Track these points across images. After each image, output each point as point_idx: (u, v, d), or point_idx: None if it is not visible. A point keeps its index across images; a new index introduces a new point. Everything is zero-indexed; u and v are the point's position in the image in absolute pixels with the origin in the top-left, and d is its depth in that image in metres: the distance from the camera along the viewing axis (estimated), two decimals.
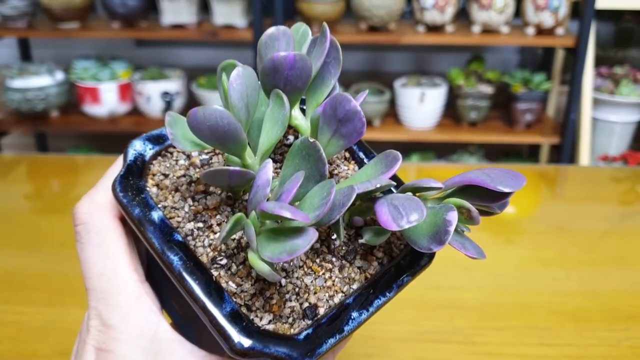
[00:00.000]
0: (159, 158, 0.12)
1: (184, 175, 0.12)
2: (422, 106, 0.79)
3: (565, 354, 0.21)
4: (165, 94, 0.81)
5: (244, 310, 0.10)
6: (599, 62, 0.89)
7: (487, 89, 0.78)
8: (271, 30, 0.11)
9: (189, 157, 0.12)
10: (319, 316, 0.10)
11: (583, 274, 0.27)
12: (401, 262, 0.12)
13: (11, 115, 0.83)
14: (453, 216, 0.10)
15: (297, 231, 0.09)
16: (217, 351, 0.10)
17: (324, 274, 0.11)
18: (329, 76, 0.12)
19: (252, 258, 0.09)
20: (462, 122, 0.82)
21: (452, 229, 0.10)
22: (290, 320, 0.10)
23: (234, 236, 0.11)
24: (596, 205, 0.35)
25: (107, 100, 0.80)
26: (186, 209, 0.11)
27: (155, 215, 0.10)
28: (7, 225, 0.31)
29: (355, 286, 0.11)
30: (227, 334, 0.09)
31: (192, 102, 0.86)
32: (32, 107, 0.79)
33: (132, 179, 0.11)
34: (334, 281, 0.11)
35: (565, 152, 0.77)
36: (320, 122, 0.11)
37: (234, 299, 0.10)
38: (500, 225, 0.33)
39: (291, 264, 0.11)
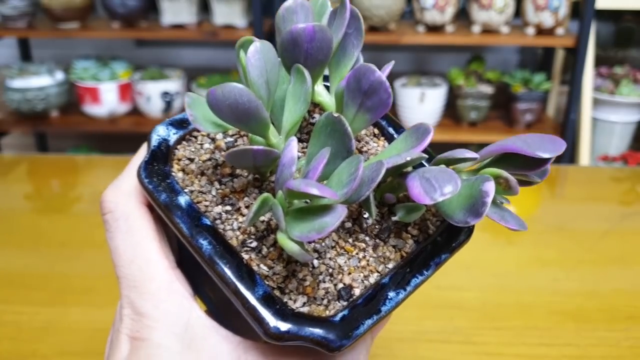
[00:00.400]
0: (184, 143, 0.12)
1: (209, 159, 0.11)
2: (422, 106, 0.79)
3: (565, 354, 0.21)
4: (165, 94, 0.81)
5: (277, 293, 0.10)
6: (599, 62, 0.89)
7: (487, 89, 0.78)
8: (289, 2, 0.10)
9: (213, 140, 0.12)
10: (354, 297, 0.10)
11: (583, 274, 0.27)
12: (438, 238, 0.11)
13: (11, 115, 0.83)
14: (490, 186, 0.09)
15: (326, 209, 0.09)
16: (252, 336, 0.10)
17: (357, 253, 0.11)
18: (351, 48, 0.11)
19: (282, 238, 0.09)
20: (462, 122, 0.82)
21: (489, 200, 0.09)
22: (325, 302, 0.10)
23: (263, 218, 0.11)
24: (596, 205, 0.35)
25: (107, 100, 0.80)
26: (213, 193, 0.11)
27: (182, 200, 0.10)
28: (7, 225, 0.31)
29: (390, 265, 0.11)
30: (261, 318, 0.09)
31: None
32: (32, 107, 0.79)
33: (157, 164, 0.11)
34: (368, 261, 0.11)
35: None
36: (344, 96, 0.10)
37: (267, 282, 0.10)
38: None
39: (323, 244, 0.10)
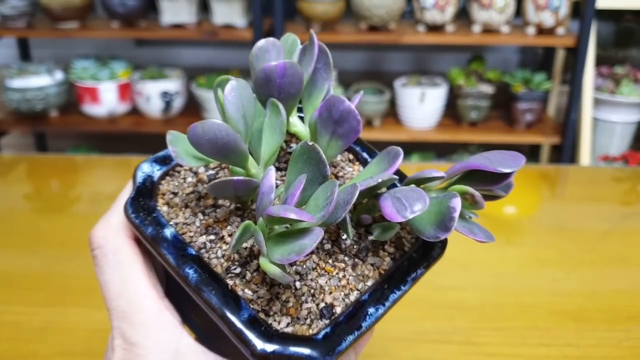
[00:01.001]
0: (167, 178, 0.13)
1: (192, 192, 0.12)
2: (422, 106, 0.79)
3: (566, 354, 0.21)
4: (164, 93, 0.80)
5: (261, 315, 0.10)
6: (599, 61, 0.89)
7: (488, 89, 0.78)
8: (261, 42, 0.12)
9: (196, 173, 0.13)
10: (336, 315, 0.11)
11: (583, 274, 0.26)
12: (413, 255, 0.12)
13: (10, 115, 0.83)
14: (456, 202, 0.10)
15: (304, 232, 0.09)
16: (240, 359, 0.10)
17: (337, 273, 0.11)
18: (322, 80, 0.12)
19: (264, 263, 0.10)
20: (462, 122, 0.82)
21: (456, 215, 0.10)
22: (308, 321, 0.10)
23: (245, 245, 0.11)
24: (597, 205, 0.35)
25: (106, 100, 0.80)
26: (197, 224, 0.11)
27: (168, 232, 0.11)
28: (6, 225, 0.31)
29: (369, 283, 0.11)
30: (247, 340, 0.10)
31: (191, 101, 0.85)
32: (31, 107, 0.79)
33: (143, 199, 0.11)
34: (348, 280, 0.11)
35: (565, 152, 0.77)
36: (317, 125, 0.11)
37: (251, 306, 0.10)
38: (500, 225, 0.33)
39: (304, 266, 0.11)
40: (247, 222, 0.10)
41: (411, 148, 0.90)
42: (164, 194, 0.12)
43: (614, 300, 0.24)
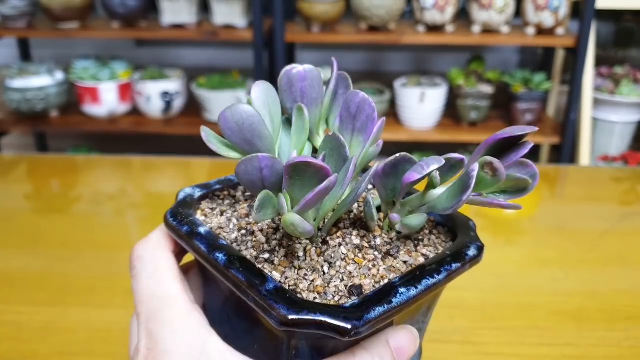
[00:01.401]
0: (207, 199, 0.13)
1: (229, 206, 0.13)
2: (422, 106, 0.79)
3: (566, 354, 0.21)
4: (165, 94, 0.80)
5: (290, 291, 0.10)
6: (599, 62, 0.89)
7: (487, 89, 0.78)
8: (298, 68, 0.12)
9: (234, 197, 0.14)
10: (364, 293, 0.10)
11: (583, 274, 0.26)
12: (447, 253, 0.12)
13: (11, 115, 0.83)
14: (475, 166, 0.10)
15: (320, 178, 0.09)
16: (265, 358, 0.10)
17: (367, 264, 0.11)
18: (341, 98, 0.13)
19: (284, 217, 0.10)
20: (462, 122, 0.82)
21: (474, 174, 0.10)
22: (336, 298, 0.10)
23: (275, 236, 0.11)
24: (596, 205, 0.35)
25: (106, 100, 0.80)
26: (231, 227, 0.12)
27: (202, 229, 0.11)
28: (7, 225, 0.31)
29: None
30: (272, 306, 0.09)
31: (191, 102, 0.85)
32: (31, 107, 0.79)
33: (183, 210, 0.12)
34: (378, 270, 0.11)
35: (565, 152, 0.77)
36: (339, 128, 0.12)
37: (282, 285, 0.10)
38: (500, 225, 0.33)
39: (333, 255, 0.11)
40: (265, 191, 0.10)
41: (411, 148, 0.90)
42: (203, 210, 0.13)
43: (614, 300, 0.24)
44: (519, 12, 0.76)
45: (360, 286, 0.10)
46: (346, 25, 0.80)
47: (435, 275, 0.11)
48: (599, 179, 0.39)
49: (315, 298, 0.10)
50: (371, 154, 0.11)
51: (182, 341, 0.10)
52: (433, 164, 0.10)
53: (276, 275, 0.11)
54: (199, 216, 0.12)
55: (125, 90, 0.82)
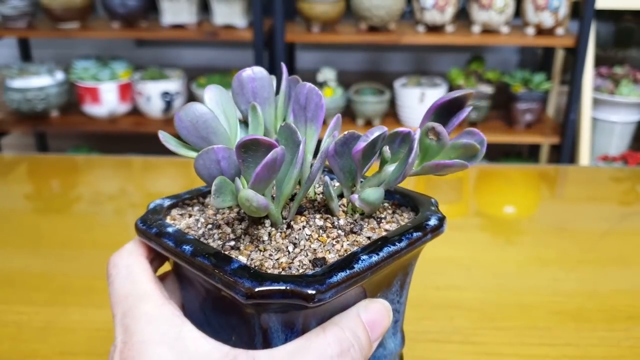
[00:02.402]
0: (177, 207, 0.14)
1: (198, 210, 0.14)
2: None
3: (566, 354, 0.21)
4: (165, 94, 0.80)
5: (256, 268, 0.11)
6: (598, 62, 0.89)
7: (487, 89, 0.78)
8: (245, 72, 0.12)
9: (202, 204, 0.14)
10: (327, 264, 0.11)
11: (583, 274, 0.27)
12: (408, 225, 0.12)
13: (11, 115, 0.83)
14: (417, 133, 0.11)
15: (268, 152, 0.10)
16: (243, 347, 0.10)
17: (331, 241, 0.12)
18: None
19: (240, 193, 0.10)
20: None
21: (415, 144, 0.10)
22: (300, 271, 0.11)
23: (240, 225, 0.12)
24: (596, 205, 0.35)
25: (107, 100, 0.80)
26: (199, 225, 0.13)
27: (170, 229, 0.12)
28: (7, 225, 0.31)
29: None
30: (237, 281, 0.10)
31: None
32: (32, 107, 0.79)
33: (152, 216, 0.13)
34: (342, 245, 0.11)
35: (565, 152, 0.77)
36: (294, 121, 0.12)
37: (248, 265, 0.11)
38: (500, 225, 0.33)
39: (297, 236, 0.11)
40: (221, 177, 0.10)
41: None
42: (172, 216, 0.13)
43: (614, 300, 0.24)
44: (518, 12, 0.76)
45: (324, 259, 0.11)
46: (346, 25, 0.80)
47: (397, 244, 0.11)
48: (598, 179, 0.39)
49: (280, 272, 0.10)
50: (328, 144, 0.12)
51: (156, 330, 0.10)
52: (376, 132, 0.10)
53: (242, 259, 0.11)
54: (168, 220, 0.13)
55: (126, 91, 0.82)
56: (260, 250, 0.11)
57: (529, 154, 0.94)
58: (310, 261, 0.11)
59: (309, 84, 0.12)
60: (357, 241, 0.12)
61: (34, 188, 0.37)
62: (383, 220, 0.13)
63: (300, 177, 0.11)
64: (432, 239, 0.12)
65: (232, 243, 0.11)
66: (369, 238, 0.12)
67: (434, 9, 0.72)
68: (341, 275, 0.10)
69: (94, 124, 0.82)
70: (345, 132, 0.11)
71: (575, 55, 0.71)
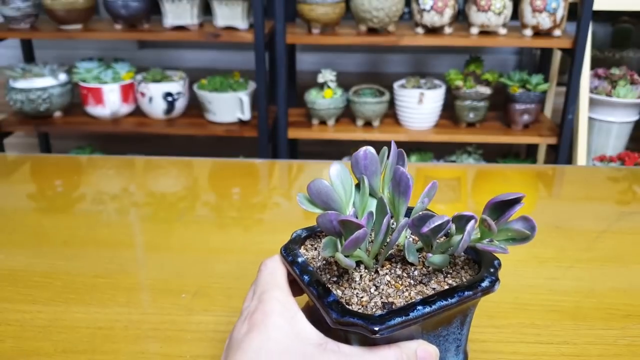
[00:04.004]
0: (310, 238, 0.19)
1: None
2: (420, 107, 0.80)
3: (563, 352, 0.21)
4: (167, 94, 0.81)
5: (344, 303, 0.15)
6: (596, 63, 0.90)
7: (485, 90, 0.79)
8: (360, 152, 0.17)
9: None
10: (393, 308, 0.15)
11: (580, 272, 0.27)
12: (464, 283, 0.16)
13: (14, 116, 0.84)
14: (471, 225, 0.15)
15: (358, 229, 0.15)
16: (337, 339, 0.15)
17: (403, 288, 0.16)
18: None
19: (337, 255, 0.15)
20: (460, 122, 0.82)
21: (468, 236, 0.15)
22: (373, 310, 0.15)
23: (341, 269, 0.17)
24: (593, 204, 0.35)
25: (109, 101, 0.80)
26: (319, 258, 0.18)
27: (300, 259, 0.17)
28: (10, 224, 0.31)
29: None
30: (329, 311, 0.15)
31: (194, 103, 0.86)
32: (35, 108, 0.79)
33: (291, 245, 0.18)
34: (410, 293, 0.16)
35: (562, 153, 0.77)
36: (391, 192, 0.17)
37: (339, 299, 0.16)
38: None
39: (379, 281, 0.16)
40: (330, 237, 0.15)
41: (410, 148, 0.91)
42: (305, 245, 0.19)
43: (611, 299, 0.25)
44: (516, 14, 0.76)
45: (392, 303, 0.15)
46: (346, 27, 0.80)
47: (449, 299, 0.15)
48: (596, 179, 0.39)
49: (359, 309, 0.15)
50: (419, 208, 0.17)
51: (280, 308, 0.15)
52: (438, 220, 0.15)
53: (338, 292, 0.16)
54: (302, 250, 0.18)
55: (128, 92, 0.82)
56: (352, 288, 0.16)
57: (527, 154, 0.94)
58: (382, 303, 0.15)
59: (401, 169, 0.16)
60: (422, 291, 0.16)
61: (37, 188, 0.37)
62: (449, 275, 0.16)
63: (389, 236, 0.16)
64: (483, 296, 0.15)
65: (335, 279, 0.16)
66: (433, 289, 0.16)
67: (433, 10, 0.73)
68: (398, 319, 0.14)
69: (97, 124, 0.82)
70: (421, 213, 0.15)
71: (572, 57, 0.72)
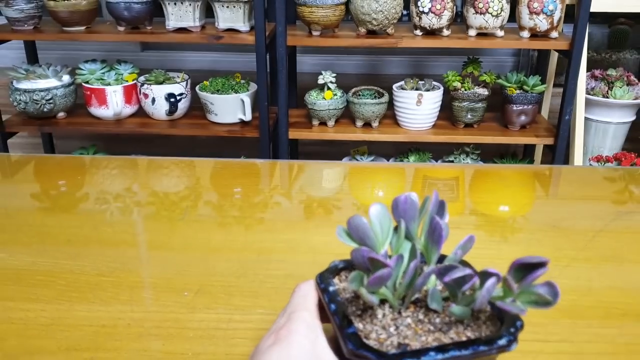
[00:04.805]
0: (345, 269, 0.20)
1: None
2: (419, 108, 0.80)
3: (560, 350, 0.22)
4: (170, 96, 0.81)
5: (362, 336, 0.16)
6: (592, 64, 0.90)
7: (483, 92, 0.79)
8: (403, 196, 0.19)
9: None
10: (407, 350, 0.16)
11: (577, 271, 0.27)
12: (482, 337, 0.16)
13: (18, 116, 0.84)
14: (491, 284, 0.15)
15: (382, 268, 0.16)
16: None
17: (422, 333, 0.17)
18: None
19: (361, 290, 0.16)
20: (458, 123, 0.82)
21: (488, 294, 0.15)
22: (388, 348, 0.16)
23: (364, 302, 0.18)
24: (590, 204, 0.35)
25: (112, 102, 0.80)
26: (349, 290, 0.19)
27: (331, 288, 0.18)
28: (14, 223, 0.31)
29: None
30: (346, 342, 0.16)
31: (196, 103, 0.86)
32: (38, 109, 0.79)
33: (326, 274, 0.19)
34: (427, 338, 0.16)
35: (559, 153, 0.77)
36: (426, 238, 0.18)
37: (359, 332, 0.16)
38: (496, 223, 0.33)
39: (401, 322, 0.17)
40: (357, 271, 0.16)
41: (408, 149, 0.91)
42: (340, 276, 0.19)
43: (608, 297, 0.25)
44: (514, 16, 0.77)
45: (407, 345, 0.16)
46: (346, 29, 0.81)
47: (463, 350, 0.15)
48: (592, 179, 0.40)
49: (375, 345, 0.16)
50: (451, 258, 0.17)
51: (305, 329, 0.16)
52: (459, 273, 0.16)
53: (359, 325, 0.17)
54: (335, 280, 0.19)
55: (131, 93, 0.82)
56: (373, 324, 0.17)
57: (524, 154, 0.95)
58: (398, 343, 0.16)
59: (436, 219, 0.17)
60: (439, 339, 0.16)
61: (41, 187, 0.38)
62: (469, 328, 0.17)
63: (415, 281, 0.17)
64: (499, 354, 0.16)
65: (359, 312, 0.17)
66: (451, 338, 0.16)
67: (431, 13, 0.73)
68: None
69: (100, 125, 0.82)
70: (446, 264, 0.16)
71: (569, 58, 0.72)
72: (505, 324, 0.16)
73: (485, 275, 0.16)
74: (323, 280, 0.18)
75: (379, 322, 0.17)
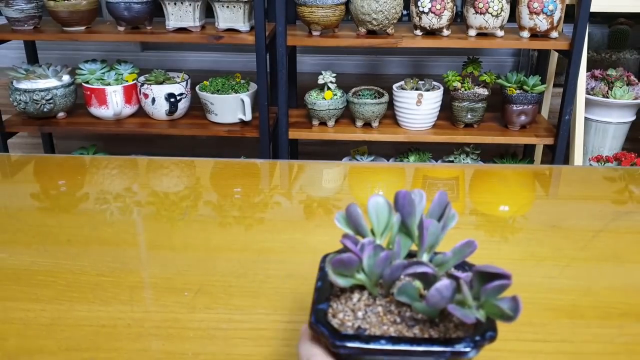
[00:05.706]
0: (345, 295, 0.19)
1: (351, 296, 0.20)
2: (419, 108, 0.80)
3: (560, 350, 0.22)
4: (170, 96, 0.81)
5: (330, 314, 0.17)
6: (592, 64, 0.90)
7: (483, 92, 0.79)
8: (402, 192, 0.19)
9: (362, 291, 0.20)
10: (364, 333, 0.16)
11: (577, 271, 0.27)
12: (441, 338, 0.16)
13: (18, 116, 0.84)
14: (444, 283, 0.15)
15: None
16: None
17: (387, 322, 0.17)
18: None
19: (328, 270, 0.16)
20: (458, 123, 0.82)
21: (437, 293, 0.15)
22: (346, 329, 0.16)
23: (352, 287, 0.18)
24: (590, 204, 0.35)
25: (113, 102, 0.80)
26: (341, 305, 0.18)
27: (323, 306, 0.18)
28: (14, 223, 0.31)
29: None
30: (311, 315, 0.16)
31: (196, 103, 0.86)
32: (38, 109, 0.79)
33: (332, 255, 0.18)
34: (389, 328, 0.16)
35: (559, 153, 0.77)
36: (419, 234, 0.18)
37: (329, 310, 0.17)
38: (495, 223, 0.33)
39: (371, 309, 0.17)
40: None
41: (408, 149, 0.91)
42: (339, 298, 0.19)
43: (608, 297, 0.25)
44: (514, 16, 0.77)
45: (365, 329, 0.16)
46: (346, 29, 0.81)
47: (415, 346, 0.15)
48: (592, 179, 0.40)
49: (337, 323, 0.16)
50: (439, 259, 0.17)
51: None
52: (418, 269, 0.16)
53: (333, 305, 0.17)
54: (332, 300, 0.19)
55: (131, 93, 0.82)
56: (345, 306, 0.17)
57: (524, 154, 0.95)
58: (358, 326, 0.16)
59: (427, 220, 0.17)
60: (400, 331, 0.16)
61: (41, 187, 0.38)
62: (436, 327, 0.16)
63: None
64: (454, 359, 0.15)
65: (339, 294, 0.18)
66: (414, 333, 0.16)
67: (431, 13, 0.73)
68: (356, 344, 0.15)
69: (100, 125, 0.82)
70: (416, 259, 0.16)
71: (569, 58, 0.72)
72: (475, 332, 0.16)
73: (451, 277, 0.16)
74: (324, 260, 0.19)
75: (352, 305, 0.17)
